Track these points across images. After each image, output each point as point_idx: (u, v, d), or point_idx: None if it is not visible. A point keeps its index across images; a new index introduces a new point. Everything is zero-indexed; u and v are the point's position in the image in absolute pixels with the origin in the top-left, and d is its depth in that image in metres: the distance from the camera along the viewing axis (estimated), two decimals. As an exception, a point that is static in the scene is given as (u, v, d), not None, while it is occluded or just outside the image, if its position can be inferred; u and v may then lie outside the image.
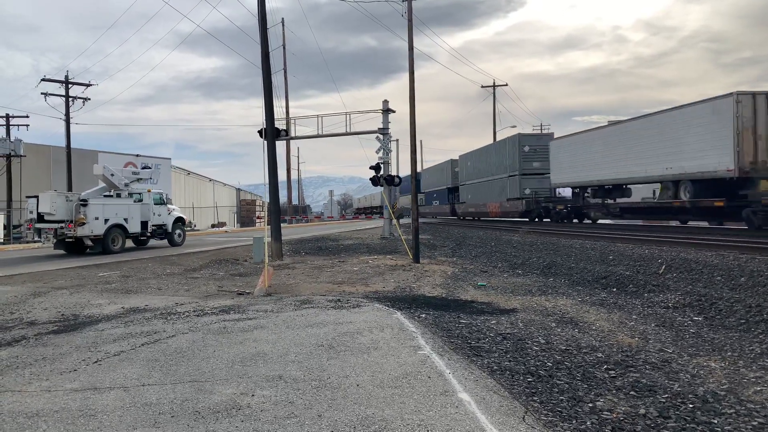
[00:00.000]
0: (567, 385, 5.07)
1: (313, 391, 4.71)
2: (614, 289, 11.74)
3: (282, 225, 22.16)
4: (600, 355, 6.27)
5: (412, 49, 17.68)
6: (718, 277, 11.16)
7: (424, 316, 8.37)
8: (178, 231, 26.66)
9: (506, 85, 63.64)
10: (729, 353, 6.52)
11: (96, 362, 5.87)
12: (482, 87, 63.07)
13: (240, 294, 11.27)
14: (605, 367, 5.76)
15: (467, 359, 5.84)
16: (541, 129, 69.77)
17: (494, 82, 62.41)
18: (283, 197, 54.70)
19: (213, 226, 52.97)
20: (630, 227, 28.00)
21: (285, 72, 51.90)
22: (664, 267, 12.89)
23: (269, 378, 5.11)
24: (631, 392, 4.93)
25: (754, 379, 5.41)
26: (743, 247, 14.13)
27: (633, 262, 14.10)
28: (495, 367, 5.56)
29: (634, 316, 8.96)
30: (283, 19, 52.20)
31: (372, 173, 27.36)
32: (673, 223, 27.33)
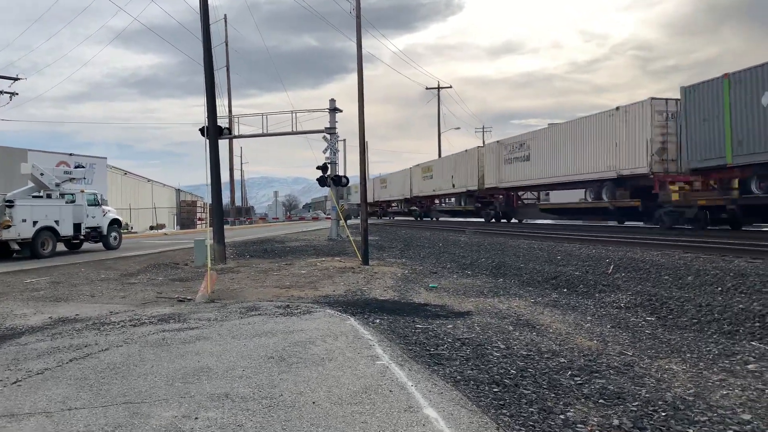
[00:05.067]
0: (534, 395, 4.81)
1: (264, 411, 4.26)
2: (565, 290, 11.72)
3: (225, 227, 21.36)
4: (562, 360, 6.08)
5: (361, 46, 17.34)
6: (666, 276, 11.30)
7: (378, 321, 8.01)
8: (113, 233, 25.33)
9: (450, 87, 64.48)
10: (688, 355, 6.46)
11: (15, 383, 5.22)
12: (427, 89, 63.51)
13: (180, 301, 10.61)
14: (570, 373, 5.55)
15: (428, 369, 5.51)
16: (483, 131, 70.91)
17: (438, 84, 62.91)
18: (225, 198, 53.31)
19: (152, 228, 51.00)
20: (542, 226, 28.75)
21: (228, 69, 50.56)
22: (612, 267, 13.00)
23: (214, 397, 4.63)
24: (600, 400, 4.72)
25: (718, 382, 5.31)
26: (686, 246, 14.46)
27: (581, 262, 14.18)
28: (458, 377, 5.25)
29: (589, 318, 8.89)
30: (225, 15, 50.84)
31: (319, 173, 26.86)
32: (612, 223, 28.19)
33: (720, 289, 9.69)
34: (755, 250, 13.01)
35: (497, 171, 34.54)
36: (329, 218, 33.48)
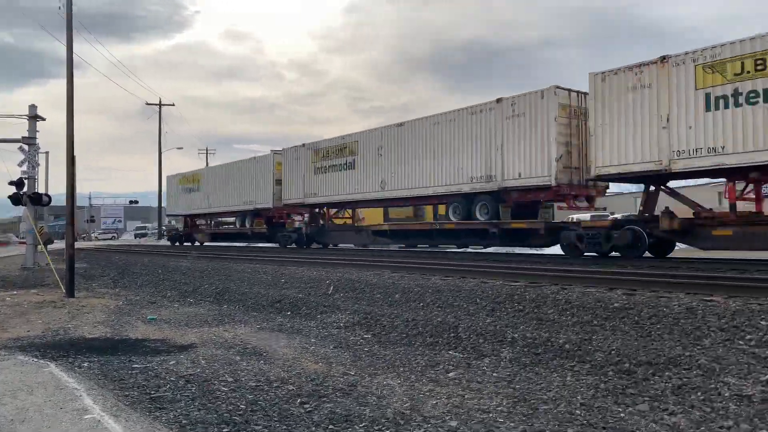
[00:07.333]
0: (266, 430, 4.72)
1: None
2: (289, 313, 11.95)
3: None
4: (291, 387, 6.12)
5: (71, 48, 15.41)
6: (378, 295, 12.28)
7: (86, 365, 7.05)
8: None
9: (173, 105, 62.00)
10: (401, 369, 7.08)
11: None
12: (147, 104, 59.66)
13: None
14: (299, 400, 5.61)
15: (150, 416, 5.01)
16: (207, 153, 69.50)
17: (160, 101, 59.70)
18: None
19: None
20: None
21: None
22: (332, 288, 13.70)
23: None
24: (330, 426, 4.86)
25: (428, 393, 5.92)
26: (392, 266, 16.03)
27: (303, 285, 14.63)
28: (184, 421, 4.88)
29: (313, 340, 9.18)
30: None
31: (13, 190, 22.90)
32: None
33: (422, 304, 10.90)
34: (446, 269, 14.96)
35: (177, 199, 42.80)
36: (24, 243, 28.82)
